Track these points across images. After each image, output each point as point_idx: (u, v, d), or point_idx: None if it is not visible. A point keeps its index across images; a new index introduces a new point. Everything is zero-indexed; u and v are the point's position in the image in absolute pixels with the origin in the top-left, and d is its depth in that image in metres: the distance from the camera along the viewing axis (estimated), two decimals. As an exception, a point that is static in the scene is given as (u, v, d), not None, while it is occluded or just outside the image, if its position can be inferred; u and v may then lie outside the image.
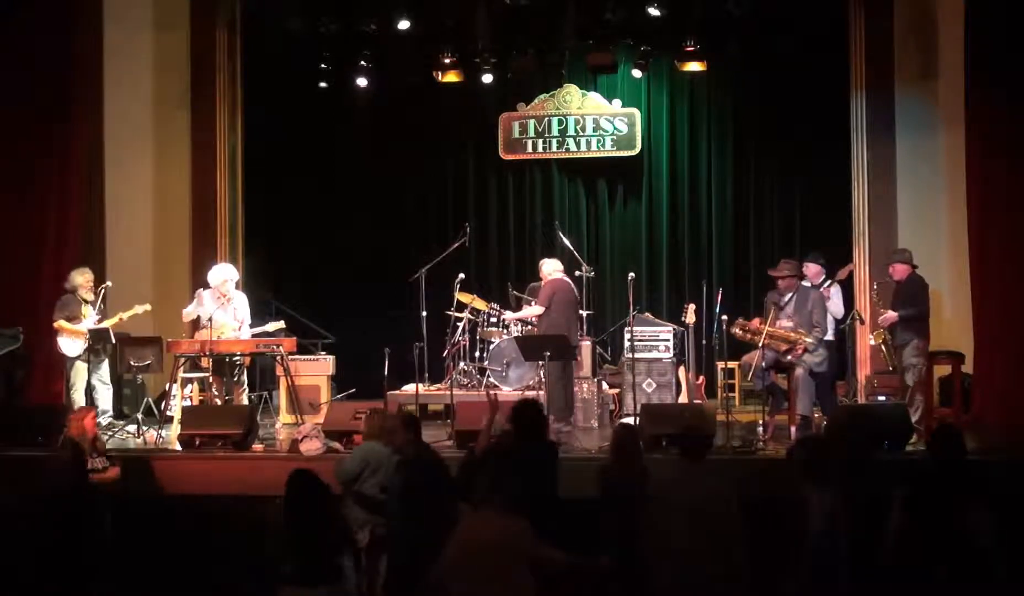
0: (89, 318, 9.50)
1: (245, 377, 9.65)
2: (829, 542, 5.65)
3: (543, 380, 9.32)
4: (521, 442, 6.22)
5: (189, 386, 9.63)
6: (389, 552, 6.09)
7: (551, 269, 9.83)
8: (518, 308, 10.55)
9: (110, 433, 9.07)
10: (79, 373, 9.44)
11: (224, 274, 9.66)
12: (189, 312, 9.61)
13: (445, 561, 4.87)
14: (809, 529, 5.68)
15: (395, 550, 5.99)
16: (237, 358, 9.47)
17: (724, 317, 9.12)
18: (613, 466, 6.20)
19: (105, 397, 9.56)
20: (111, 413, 9.59)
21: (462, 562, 4.82)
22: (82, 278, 9.60)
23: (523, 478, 5.22)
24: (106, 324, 9.47)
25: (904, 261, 9.03)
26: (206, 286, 9.67)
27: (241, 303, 9.66)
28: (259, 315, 10.12)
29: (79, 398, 9.38)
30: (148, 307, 9.64)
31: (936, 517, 5.48)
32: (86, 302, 9.57)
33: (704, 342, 9.81)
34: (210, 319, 9.28)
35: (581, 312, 10.27)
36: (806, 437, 6.84)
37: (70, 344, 9.41)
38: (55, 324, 9.43)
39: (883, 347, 9.31)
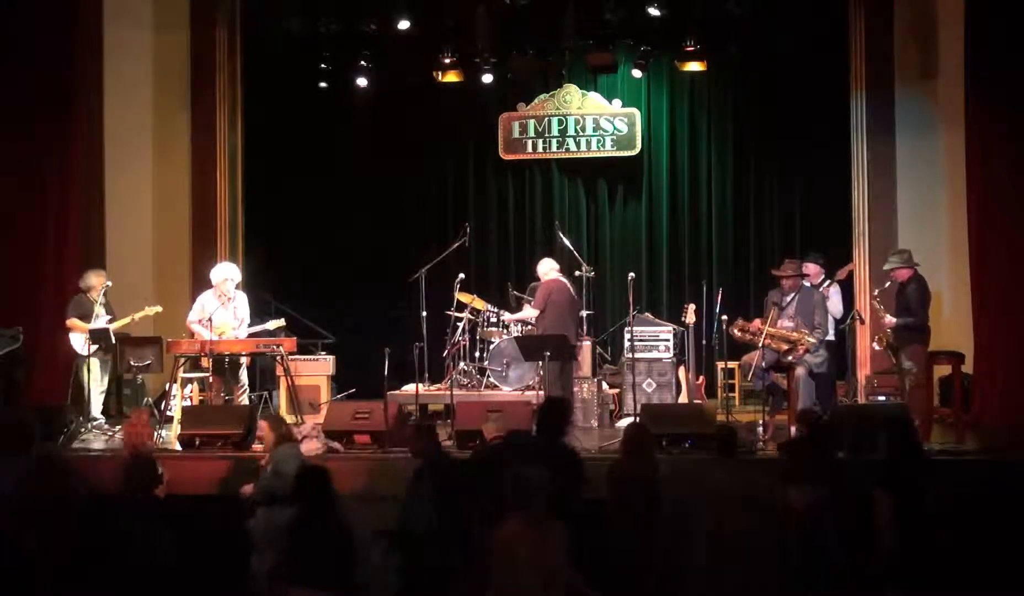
0: (101, 318, 9.56)
1: (245, 377, 9.64)
2: (820, 542, 5.67)
3: (543, 380, 9.31)
4: (544, 441, 6.31)
5: (189, 386, 9.63)
6: (402, 555, 6.10)
7: (547, 269, 9.82)
8: (518, 308, 10.55)
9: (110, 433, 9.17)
10: (90, 372, 9.48)
11: (225, 273, 9.65)
12: (192, 320, 9.62)
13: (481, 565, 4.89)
14: (805, 529, 5.70)
15: (413, 552, 6.00)
16: (243, 358, 9.50)
17: (724, 317, 9.12)
18: (624, 464, 6.21)
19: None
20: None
21: (504, 565, 4.82)
22: (97, 280, 9.67)
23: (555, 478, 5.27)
24: (117, 325, 9.54)
25: (906, 264, 9.02)
26: (208, 286, 9.71)
27: (242, 303, 9.66)
28: (259, 315, 10.11)
29: (89, 397, 9.45)
30: (159, 309, 9.69)
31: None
32: (99, 303, 9.63)
33: (704, 342, 9.83)
34: (210, 319, 9.29)
35: (581, 312, 10.28)
36: (796, 438, 6.84)
37: (83, 343, 9.46)
38: (68, 322, 9.47)
39: (888, 349, 9.32)
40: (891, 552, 5.48)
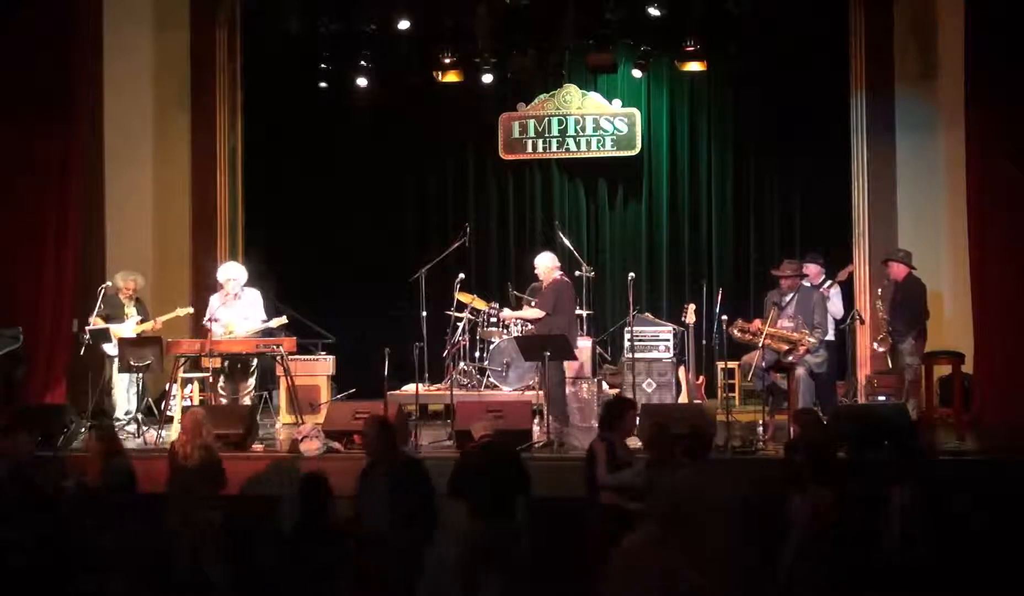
0: (131, 319, 9.60)
1: (254, 378, 9.68)
2: (822, 542, 5.67)
3: (543, 380, 9.28)
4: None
5: (189, 386, 9.65)
6: (371, 557, 6.09)
7: (551, 266, 9.49)
8: (517, 309, 10.51)
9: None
10: (120, 374, 9.55)
11: (227, 273, 9.70)
12: (206, 319, 9.66)
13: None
14: (805, 529, 5.70)
15: (378, 556, 6.00)
16: (253, 359, 9.54)
17: (724, 317, 9.12)
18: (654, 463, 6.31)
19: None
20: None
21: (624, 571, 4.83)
22: (123, 282, 9.78)
23: None
24: (144, 327, 9.63)
25: (903, 261, 9.07)
26: (206, 286, 9.77)
27: (251, 301, 9.67)
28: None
29: (119, 397, 9.61)
30: (191, 310, 9.73)
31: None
32: (129, 304, 9.72)
33: (704, 342, 9.82)
34: (214, 319, 9.34)
35: (580, 312, 10.27)
36: (799, 438, 6.85)
37: (112, 345, 9.52)
38: (91, 319, 9.52)
39: (888, 353, 9.36)
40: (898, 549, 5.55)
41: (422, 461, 6.77)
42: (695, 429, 6.57)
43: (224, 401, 9.49)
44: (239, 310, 9.57)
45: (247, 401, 9.53)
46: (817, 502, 5.73)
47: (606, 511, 6.34)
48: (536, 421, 9.04)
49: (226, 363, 9.52)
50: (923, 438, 6.22)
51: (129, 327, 9.64)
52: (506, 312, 10.26)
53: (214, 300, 9.64)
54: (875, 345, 9.61)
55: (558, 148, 12.19)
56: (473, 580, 6.26)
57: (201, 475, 6.85)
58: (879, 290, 9.48)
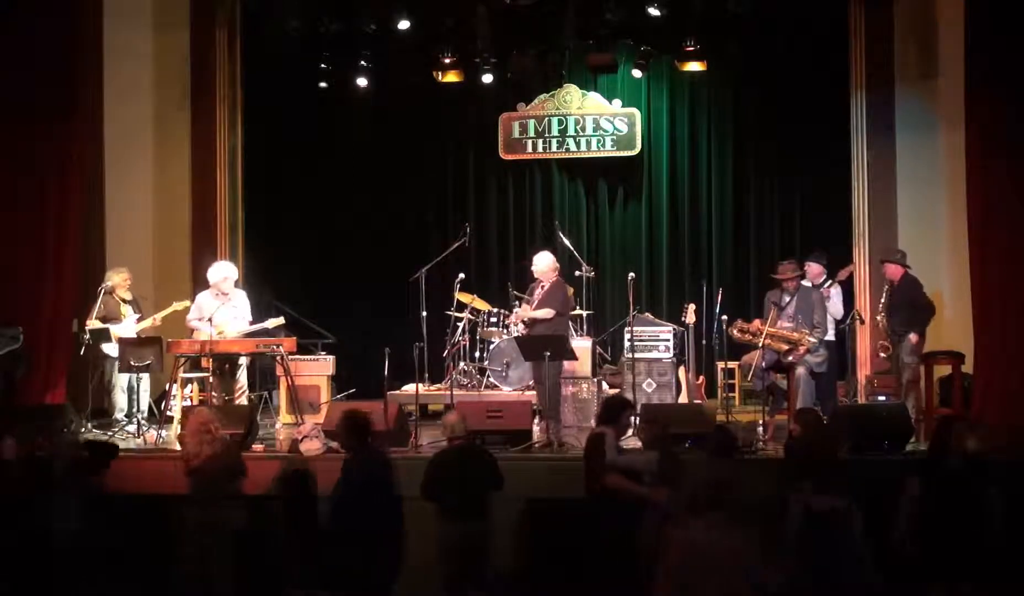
0: (129, 318, 9.59)
1: (244, 377, 9.65)
2: (829, 543, 5.67)
3: (543, 381, 9.25)
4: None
5: (189, 386, 9.65)
6: (332, 553, 6.08)
7: (552, 265, 9.46)
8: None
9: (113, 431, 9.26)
10: (120, 374, 9.55)
11: (223, 272, 9.69)
12: (191, 318, 9.65)
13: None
14: (808, 530, 5.70)
15: (340, 551, 6.00)
16: (243, 358, 9.51)
17: (724, 317, 9.12)
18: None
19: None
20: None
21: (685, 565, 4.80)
22: (119, 277, 9.77)
23: None
24: (144, 325, 9.65)
25: (899, 262, 9.09)
26: (206, 286, 9.74)
27: (241, 300, 9.68)
28: (259, 315, 10.12)
29: (119, 398, 9.62)
30: (187, 303, 9.73)
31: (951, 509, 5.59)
32: (124, 302, 9.74)
33: (704, 342, 9.83)
34: (209, 319, 9.33)
35: (580, 312, 10.25)
36: (799, 438, 6.86)
37: (111, 345, 9.50)
38: (86, 323, 9.52)
39: (890, 358, 9.36)
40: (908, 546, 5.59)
41: (390, 458, 6.72)
42: (721, 428, 6.62)
43: (215, 402, 9.48)
44: (231, 310, 9.56)
45: (243, 401, 9.52)
46: (811, 503, 5.74)
47: (611, 495, 6.29)
48: (536, 421, 9.04)
49: (215, 364, 9.48)
50: (955, 437, 6.21)
51: (128, 326, 9.64)
52: (518, 312, 10.14)
53: (204, 300, 9.60)
54: (881, 354, 9.62)
55: (558, 148, 12.19)
56: (457, 584, 6.26)
57: (213, 473, 6.77)
58: (883, 299, 9.44)
